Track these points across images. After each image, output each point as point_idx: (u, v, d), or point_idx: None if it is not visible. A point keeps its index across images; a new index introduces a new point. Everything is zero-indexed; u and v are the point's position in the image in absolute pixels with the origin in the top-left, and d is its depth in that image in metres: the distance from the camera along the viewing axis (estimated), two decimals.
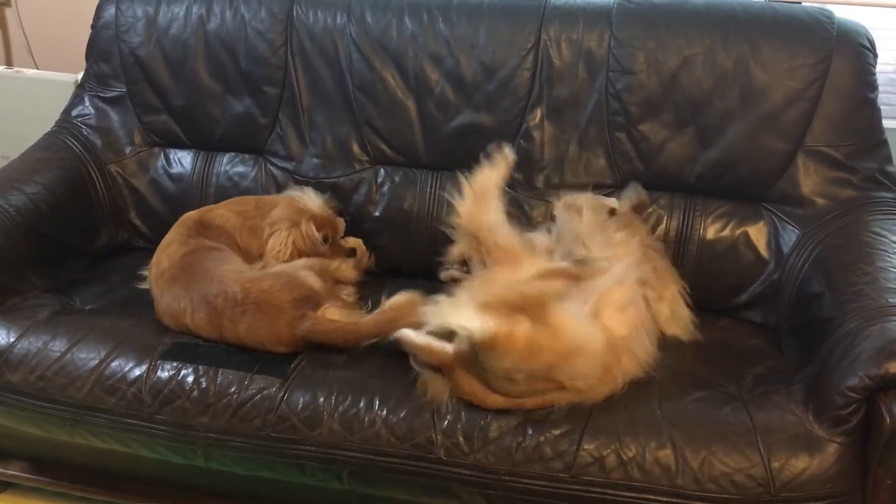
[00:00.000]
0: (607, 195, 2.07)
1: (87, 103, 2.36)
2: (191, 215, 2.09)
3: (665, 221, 2.07)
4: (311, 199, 2.12)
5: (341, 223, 2.16)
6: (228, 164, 2.32)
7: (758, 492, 1.51)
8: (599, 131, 2.09)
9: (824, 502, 1.50)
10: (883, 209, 1.92)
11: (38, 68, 3.23)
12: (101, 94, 2.36)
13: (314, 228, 2.05)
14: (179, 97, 2.30)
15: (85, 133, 2.33)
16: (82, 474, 2.01)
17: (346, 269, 2.07)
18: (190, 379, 1.76)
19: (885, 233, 1.83)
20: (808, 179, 1.98)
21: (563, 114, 2.11)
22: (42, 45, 3.35)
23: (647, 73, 2.03)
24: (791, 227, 1.98)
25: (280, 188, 2.27)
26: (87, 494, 2.00)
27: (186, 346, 1.83)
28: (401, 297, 1.84)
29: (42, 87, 2.88)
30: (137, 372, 1.78)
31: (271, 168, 2.28)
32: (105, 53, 2.34)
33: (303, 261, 1.99)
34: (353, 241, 2.17)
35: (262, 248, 2.06)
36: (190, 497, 1.96)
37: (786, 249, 1.97)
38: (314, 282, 1.87)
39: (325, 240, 2.09)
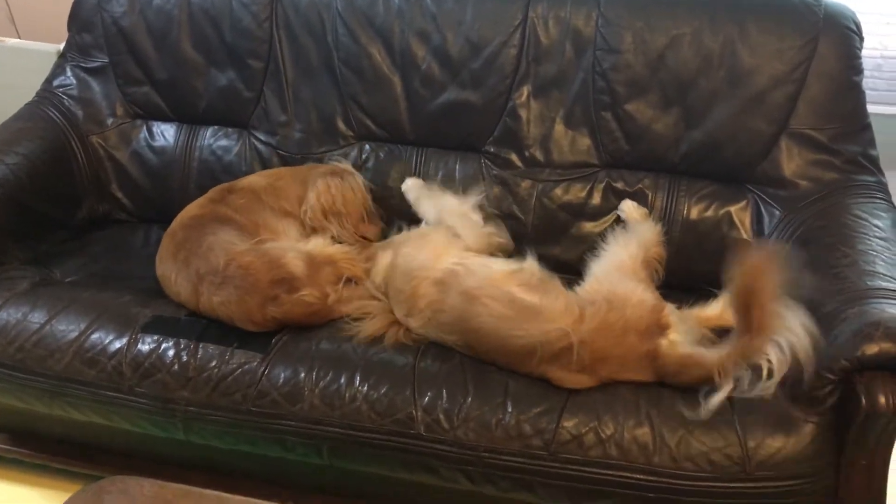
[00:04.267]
0: (589, 175, 2.08)
1: (69, 74, 2.33)
2: (224, 184, 2.10)
3: (649, 201, 2.07)
4: (353, 172, 2.12)
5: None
6: (212, 138, 2.30)
7: (734, 471, 1.52)
8: (585, 110, 2.08)
9: (799, 481, 1.52)
10: (865, 192, 1.93)
11: (20, 37, 3.18)
12: (84, 65, 2.33)
13: (360, 179, 2.06)
14: (162, 69, 2.27)
15: (66, 104, 2.30)
16: (62, 446, 2.00)
17: (355, 266, 1.96)
18: (171, 352, 1.76)
19: (865, 216, 1.84)
20: (792, 162, 1.99)
21: (549, 92, 2.10)
22: (24, 13, 3.30)
23: (634, 53, 2.02)
24: (774, 208, 1.99)
25: (265, 163, 2.25)
26: (67, 466, 1.99)
27: (167, 320, 1.82)
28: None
29: (24, 57, 2.84)
30: (118, 345, 1.78)
31: (255, 142, 2.27)
32: (87, 23, 2.31)
33: (310, 245, 1.95)
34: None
35: (295, 207, 2.04)
36: (170, 470, 1.95)
37: (768, 230, 1.98)
38: (297, 266, 1.84)
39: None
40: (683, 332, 1.66)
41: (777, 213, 1.97)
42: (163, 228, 2.03)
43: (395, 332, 1.76)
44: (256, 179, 2.08)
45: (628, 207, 2.04)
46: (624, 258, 1.79)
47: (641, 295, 1.67)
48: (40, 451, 2.01)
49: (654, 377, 1.64)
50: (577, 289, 1.75)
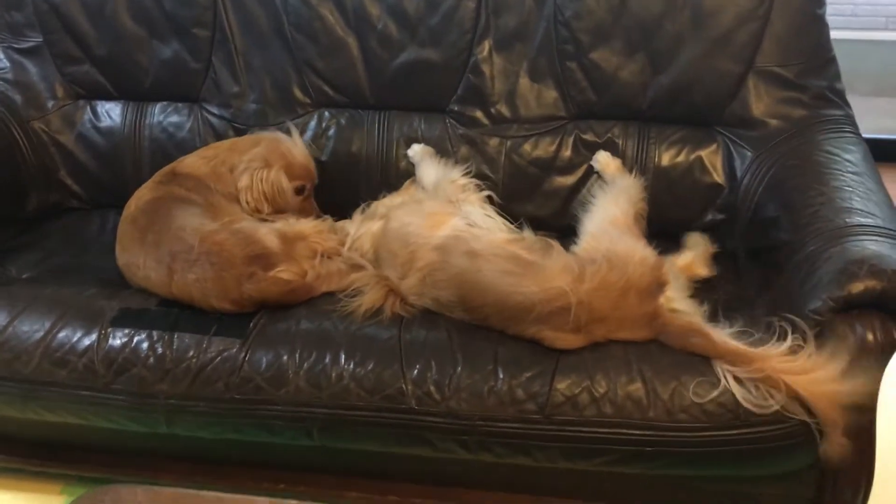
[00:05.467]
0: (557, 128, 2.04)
1: (2, 56, 2.20)
2: (166, 167, 1.99)
3: (620, 150, 2.04)
4: (295, 144, 2.01)
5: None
6: (161, 115, 2.19)
7: (728, 418, 1.52)
8: (550, 61, 2.03)
9: (791, 424, 1.53)
10: (834, 127, 1.92)
11: None
12: (16, 46, 2.19)
13: (283, 176, 1.95)
14: (101, 45, 2.15)
15: (2, 89, 2.17)
16: (37, 448, 1.92)
17: (328, 241, 1.90)
18: (144, 345, 1.69)
19: (837, 151, 1.84)
20: (760, 101, 1.97)
21: (511, 45, 2.04)
22: None
23: None
24: (744, 149, 1.97)
25: (220, 137, 2.16)
26: (44, 469, 1.92)
27: (136, 312, 1.75)
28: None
29: None
30: (87, 342, 1.70)
31: (208, 116, 2.17)
32: (16, 1, 2.16)
33: (278, 223, 1.88)
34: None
35: (235, 189, 1.95)
36: (157, 464, 1.90)
37: (740, 173, 1.97)
38: (272, 241, 1.79)
39: (299, 191, 2.00)
40: (676, 288, 1.65)
41: (748, 154, 1.96)
42: (119, 213, 1.94)
43: (392, 304, 1.72)
44: (196, 163, 1.97)
45: (603, 158, 2.01)
46: (616, 213, 1.76)
47: (642, 252, 1.65)
48: (13, 454, 1.93)
49: (650, 335, 1.62)
50: (574, 248, 1.72)
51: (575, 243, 1.74)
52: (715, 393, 1.52)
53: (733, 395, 1.52)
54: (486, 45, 2.04)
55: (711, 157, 2.01)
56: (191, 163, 1.99)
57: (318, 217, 2.02)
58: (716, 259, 1.96)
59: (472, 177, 1.97)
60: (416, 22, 2.03)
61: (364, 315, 1.70)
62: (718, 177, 2.00)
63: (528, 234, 1.78)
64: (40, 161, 2.17)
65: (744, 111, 1.98)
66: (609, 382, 1.56)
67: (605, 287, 1.57)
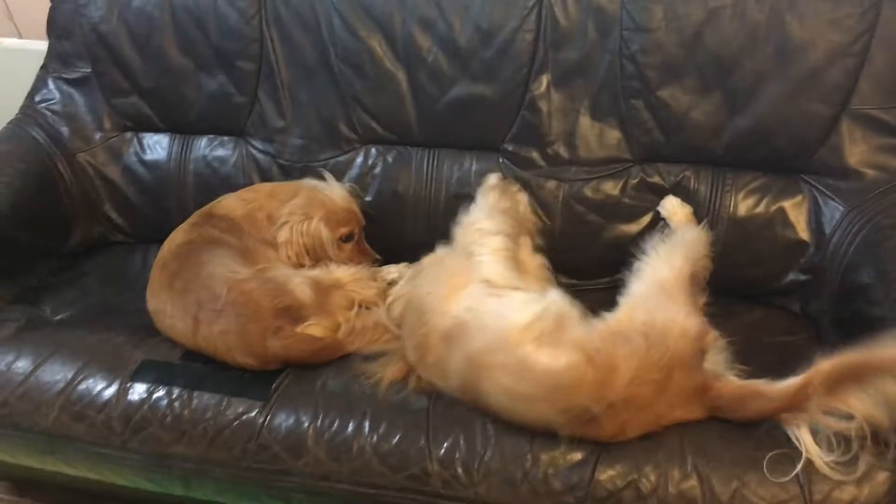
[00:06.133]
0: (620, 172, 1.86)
1: (51, 86, 2.16)
2: (203, 208, 1.92)
3: (690, 197, 1.84)
4: (333, 190, 1.91)
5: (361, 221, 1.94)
6: (207, 148, 2.12)
7: None
8: (613, 99, 1.85)
9: None
10: None
11: (21, 37, 3.02)
12: (65, 76, 2.16)
13: (323, 227, 1.85)
14: (148, 76, 2.09)
15: (50, 120, 2.13)
16: (65, 494, 1.88)
17: (366, 289, 1.79)
18: (163, 403, 1.60)
19: None
20: (855, 147, 1.73)
21: (571, 80, 1.87)
22: (24, 10, 3.14)
23: (666, 31, 1.77)
24: (834, 202, 1.74)
25: (263, 174, 2.07)
26: None
27: (159, 365, 1.66)
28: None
29: (24, 58, 2.67)
30: (107, 395, 1.63)
31: (253, 151, 2.08)
32: (66, 30, 2.13)
33: (315, 271, 1.79)
34: (396, 270, 1.91)
35: (274, 240, 1.87)
36: None
37: (828, 229, 1.74)
38: (303, 292, 1.69)
39: (347, 238, 1.89)
40: (718, 358, 1.46)
41: (839, 208, 1.73)
42: None
43: (415, 380, 1.56)
44: (234, 205, 1.89)
45: (671, 205, 1.81)
46: (666, 274, 1.54)
47: (683, 322, 1.44)
48: (43, 500, 1.90)
49: (704, 413, 1.43)
50: (609, 316, 1.50)
51: (612, 310, 1.52)
52: (797, 468, 1.33)
53: (803, 500, 1.32)
54: (544, 80, 1.88)
55: (795, 209, 1.78)
56: (228, 204, 1.91)
57: (374, 261, 1.91)
58: (797, 325, 1.74)
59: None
60: (469, 55, 1.88)
61: (388, 388, 1.56)
62: (803, 232, 1.77)
63: (551, 298, 1.52)
64: (85, 194, 2.13)
65: (835, 159, 1.75)
66: (659, 477, 1.38)
67: (645, 371, 1.37)
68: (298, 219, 1.85)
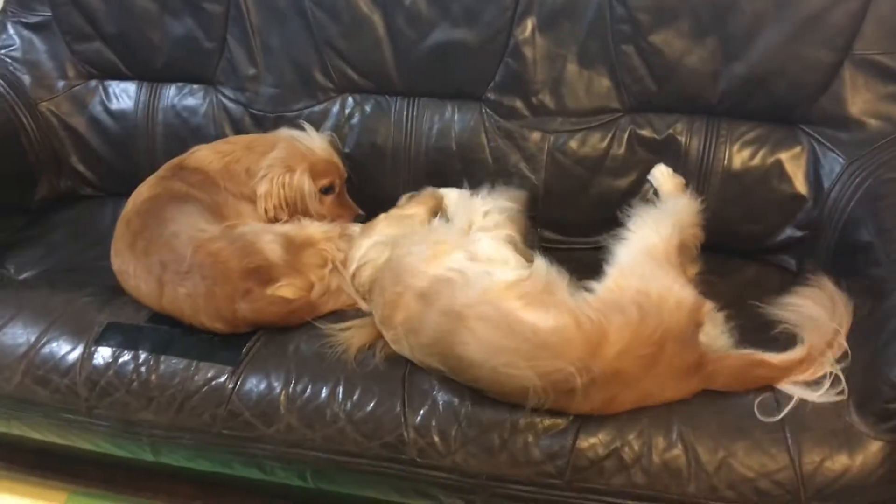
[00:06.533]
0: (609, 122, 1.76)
1: (11, 31, 2.06)
2: (174, 159, 1.83)
3: (682, 150, 1.75)
4: (313, 141, 1.82)
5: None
6: (176, 97, 2.02)
7: (786, 500, 1.27)
8: (603, 44, 1.74)
9: None
10: None
11: None
12: (24, 20, 2.04)
13: (307, 179, 1.76)
14: (111, 19, 1.98)
15: (10, 68, 2.03)
16: (39, 458, 1.83)
17: (337, 245, 1.70)
18: (129, 368, 1.54)
19: None
20: (857, 96, 1.64)
21: (558, 24, 1.76)
22: None
23: None
24: (834, 154, 1.66)
25: (235, 124, 1.97)
26: (44, 479, 1.83)
27: (125, 328, 1.59)
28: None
29: None
30: (71, 359, 1.56)
31: (224, 100, 1.98)
32: None
33: (286, 226, 1.71)
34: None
35: (252, 194, 1.78)
36: (156, 482, 1.78)
37: (827, 183, 1.65)
38: (274, 252, 1.61)
39: (328, 190, 1.81)
40: (715, 332, 1.39)
41: (839, 160, 1.64)
42: None
43: (382, 346, 1.49)
44: (208, 157, 1.79)
45: (661, 175, 1.73)
46: (656, 241, 1.46)
47: (679, 293, 1.36)
48: (15, 462, 1.85)
49: (697, 388, 1.36)
50: (599, 286, 1.41)
51: (600, 280, 1.43)
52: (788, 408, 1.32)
53: (793, 471, 1.26)
54: (529, 24, 1.77)
55: (793, 161, 1.70)
56: (203, 156, 1.81)
57: (357, 216, 1.83)
58: (793, 283, 1.66)
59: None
60: None
61: (356, 355, 1.49)
62: (801, 186, 1.69)
63: (537, 265, 1.44)
64: (49, 146, 2.04)
65: (836, 108, 1.65)
66: (643, 446, 1.33)
67: (637, 344, 1.30)
68: (279, 171, 1.76)
